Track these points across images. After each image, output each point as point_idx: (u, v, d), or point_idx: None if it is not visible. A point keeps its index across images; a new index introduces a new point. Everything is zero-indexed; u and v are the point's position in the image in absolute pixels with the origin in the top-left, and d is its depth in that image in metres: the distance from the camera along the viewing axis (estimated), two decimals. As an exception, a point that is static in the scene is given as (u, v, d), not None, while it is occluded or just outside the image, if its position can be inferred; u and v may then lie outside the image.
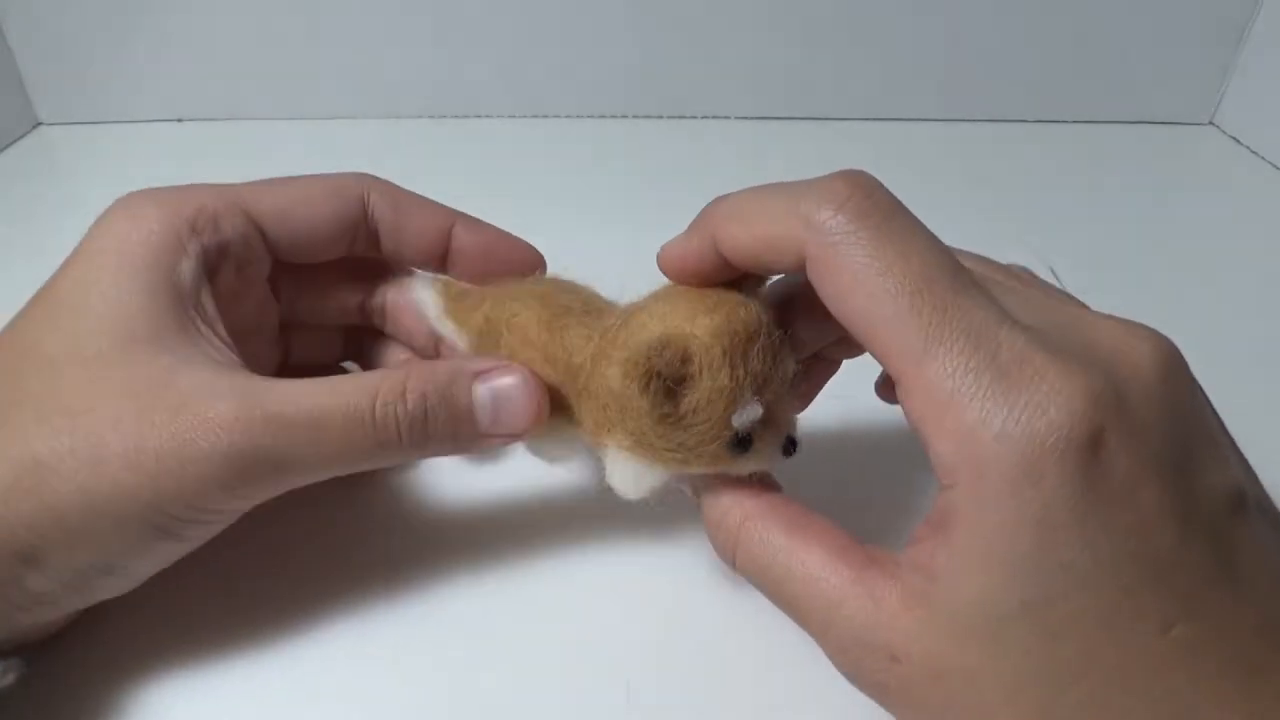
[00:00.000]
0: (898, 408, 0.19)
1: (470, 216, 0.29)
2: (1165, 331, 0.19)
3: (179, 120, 0.58)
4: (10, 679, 0.21)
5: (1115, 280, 0.43)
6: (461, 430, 0.23)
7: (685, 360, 0.20)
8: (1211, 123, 0.60)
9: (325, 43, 0.56)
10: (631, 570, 0.28)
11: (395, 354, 0.31)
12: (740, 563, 0.21)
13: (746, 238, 0.21)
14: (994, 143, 0.58)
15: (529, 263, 0.29)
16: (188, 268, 0.23)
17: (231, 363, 0.23)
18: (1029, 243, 0.46)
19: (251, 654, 0.25)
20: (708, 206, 0.22)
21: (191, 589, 0.25)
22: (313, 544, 0.28)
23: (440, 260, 0.28)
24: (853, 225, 0.19)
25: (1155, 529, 0.17)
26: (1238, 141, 0.58)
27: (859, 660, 0.19)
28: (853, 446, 0.30)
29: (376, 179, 0.28)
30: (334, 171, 0.27)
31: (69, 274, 0.23)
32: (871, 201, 0.19)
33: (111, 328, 0.22)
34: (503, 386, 0.23)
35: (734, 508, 0.22)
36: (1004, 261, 0.24)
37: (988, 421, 0.17)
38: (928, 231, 0.19)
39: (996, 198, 0.52)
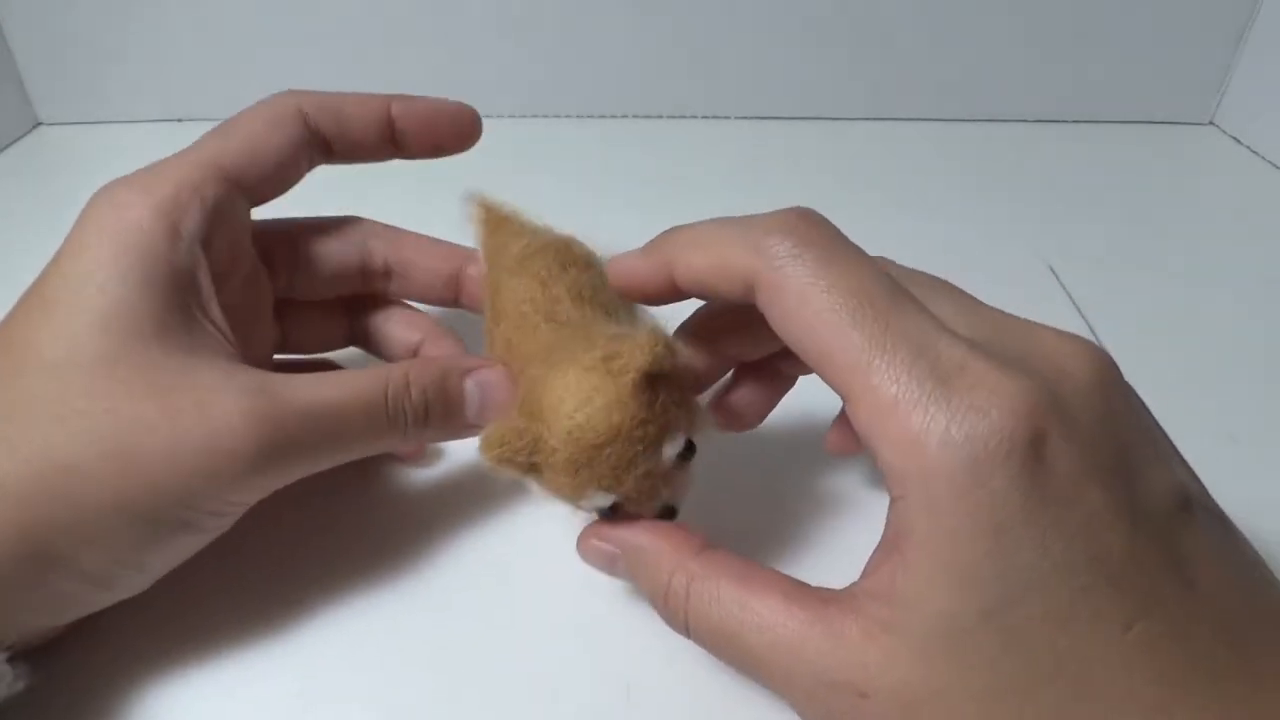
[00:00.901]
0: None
1: (403, 95, 0.29)
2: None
3: (179, 120, 0.58)
4: (20, 686, 0.21)
5: (1115, 280, 0.43)
6: (453, 421, 0.25)
7: (533, 453, 0.22)
8: (1211, 123, 0.60)
9: (325, 43, 0.56)
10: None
11: (404, 331, 0.31)
12: (694, 626, 0.21)
13: (700, 263, 0.22)
14: (994, 143, 0.58)
15: (467, 123, 0.30)
16: (183, 249, 0.23)
17: (233, 354, 0.23)
18: (1029, 243, 0.46)
19: (254, 655, 0.25)
20: (664, 234, 0.23)
21: (192, 590, 0.25)
22: (314, 544, 0.28)
23: (391, 145, 0.29)
24: (798, 250, 0.20)
25: (1104, 529, 0.17)
26: (1238, 141, 0.58)
27: (827, 703, 0.19)
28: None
29: (303, 91, 0.28)
30: (264, 99, 0.28)
31: (59, 271, 0.23)
32: (816, 231, 0.20)
33: (112, 325, 0.21)
34: (486, 381, 0.26)
35: (678, 572, 0.21)
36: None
37: (930, 427, 0.17)
38: (867, 256, 0.20)
39: (996, 198, 0.52)
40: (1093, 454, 0.17)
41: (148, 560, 0.22)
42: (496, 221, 0.29)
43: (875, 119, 0.59)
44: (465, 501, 0.30)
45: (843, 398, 0.19)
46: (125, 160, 0.55)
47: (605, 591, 0.27)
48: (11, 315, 0.23)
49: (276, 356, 0.31)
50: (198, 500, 0.21)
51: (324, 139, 0.28)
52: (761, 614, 0.20)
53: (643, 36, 0.56)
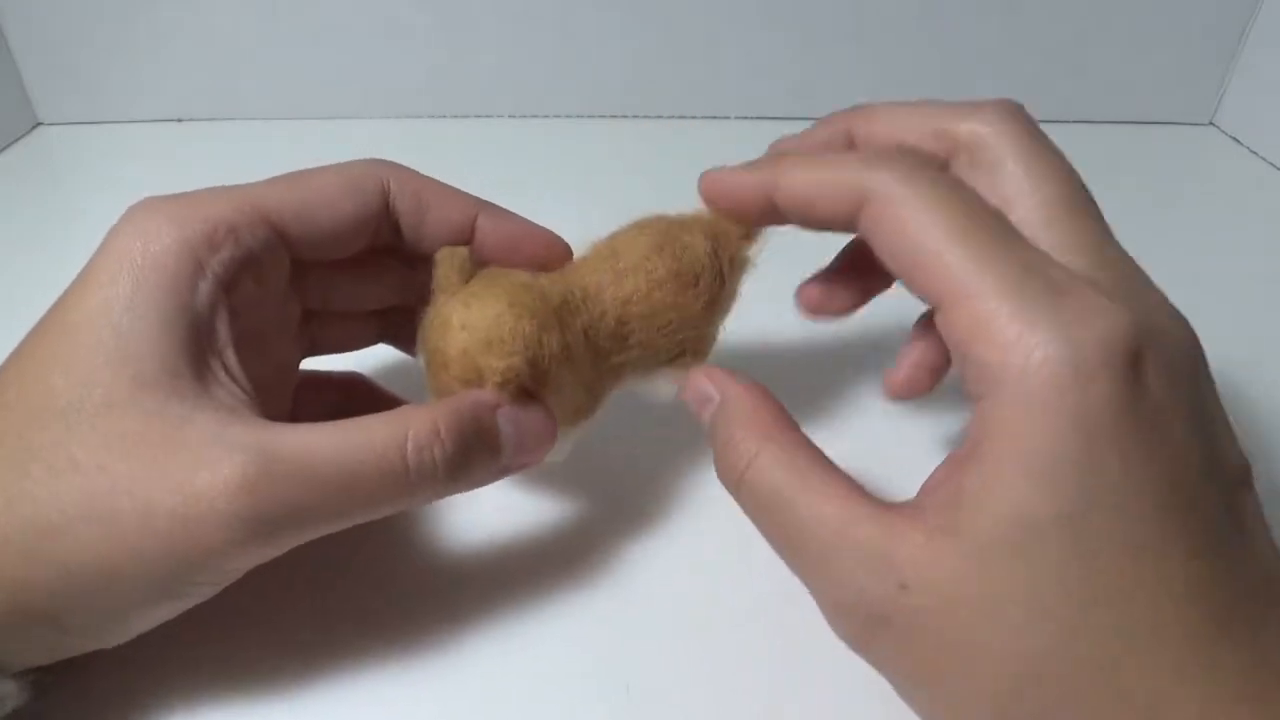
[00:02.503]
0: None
1: (495, 206, 0.28)
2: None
3: (179, 120, 0.58)
4: (24, 699, 0.21)
5: (1115, 280, 0.43)
6: (489, 465, 0.23)
7: (437, 295, 0.25)
8: (1211, 123, 0.60)
9: (325, 43, 0.56)
10: (631, 571, 0.28)
11: None
12: (750, 480, 0.21)
13: (808, 179, 0.22)
14: (994, 143, 0.58)
15: (554, 253, 0.28)
16: (205, 290, 0.22)
17: (243, 402, 0.22)
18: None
19: (257, 671, 0.25)
20: (769, 155, 0.24)
21: (202, 620, 0.25)
22: (315, 552, 0.28)
23: None
24: (910, 176, 0.20)
25: (1183, 461, 0.17)
26: (1238, 141, 0.58)
27: (861, 587, 0.18)
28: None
29: (395, 166, 0.27)
30: (350, 161, 0.26)
31: (80, 304, 0.22)
32: (923, 164, 0.21)
33: (123, 369, 0.21)
34: (521, 417, 0.23)
35: (755, 427, 0.21)
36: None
37: (1037, 326, 0.18)
38: (973, 189, 0.21)
39: (996, 198, 0.52)
40: (1182, 393, 0.18)
41: (131, 622, 0.21)
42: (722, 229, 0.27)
43: (875, 119, 0.59)
44: (464, 500, 0.30)
45: (939, 304, 0.19)
46: (125, 160, 0.55)
47: (605, 592, 0.27)
48: (31, 346, 0.22)
49: (304, 366, 0.30)
50: (181, 568, 0.20)
51: (397, 221, 0.26)
52: (823, 488, 0.20)
53: (643, 36, 0.56)
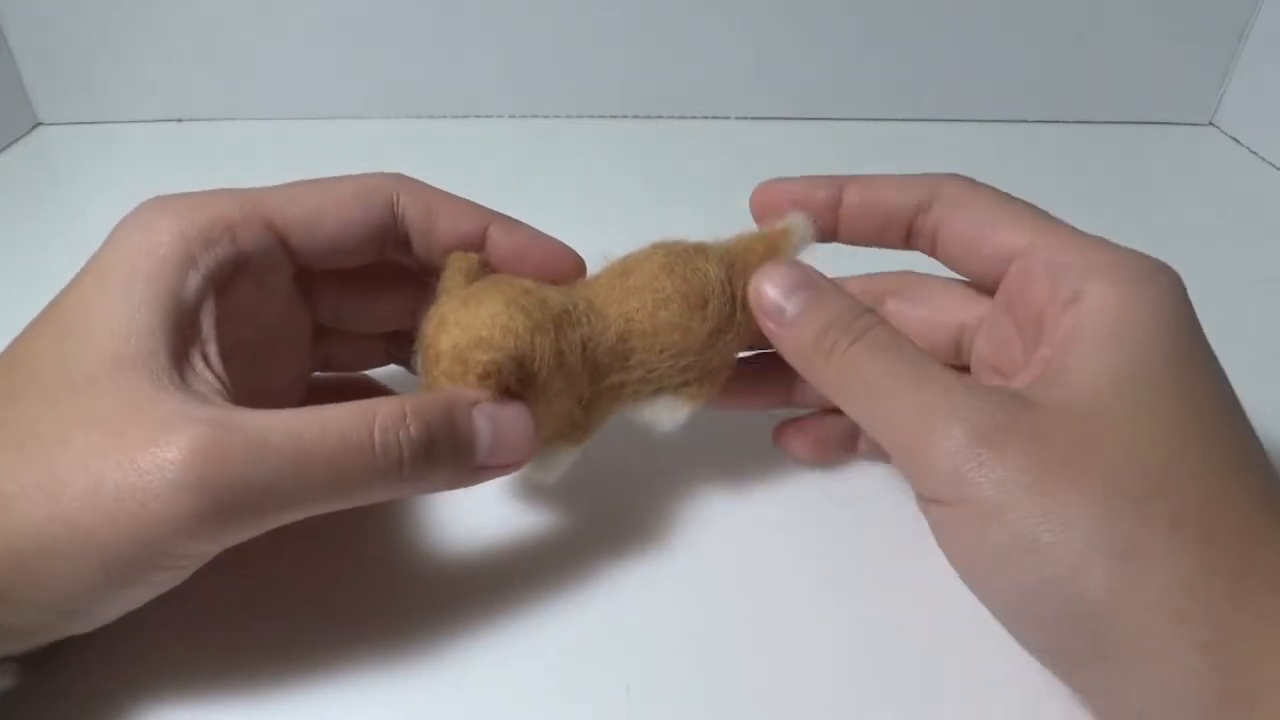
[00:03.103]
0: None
1: (506, 217, 0.27)
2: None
3: (179, 120, 0.58)
4: (7, 684, 0.21)
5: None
6: (462, 462, 0.23)
7: (441, 294, 0.25)
8: (1211, 123, 0.60)
9: (325, 43, 0.56)
10: (631, 572, 0.28)
11: None
12: (875, 333, 0.23)
13: (882, 181, 0.27)
14: (994, 143, 0.58)
15: (565, 265, 0.27)
16: (194, 282, 0.22)
17: (217, 392, 0.22)
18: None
19: (253, 667, 0.25)
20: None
21: (194, 608, 0.24)
22: (316, 552, 0.28)
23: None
24: (974, 185, 0.26)
25: (1224, 376, 0.21)
26: (1238, 141, 0.58)
27: (986, 402, 0.20)
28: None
29: (406, 178, 0.26)
30: (357, 173, 0.26)
31: (75, 291, 0.22)
32: (981, 183, 0.26)
33: (105, 348, 0.21)
34: (500, 416, 0.23)
35: (868, 312, 0.23)
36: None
37: (1116, 249, 0.23)
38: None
39: (996, 198, 0.52)
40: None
41: (86, 609, 0.20)
42: (770, 247, 0.27)
43: (876, 119, 0.59)
44: (464, 498, 0.30)
45: (1018, 253, 0.24)
46: (125, 160, 0.55)
47: (606, 592, 0.27)
48: (27, 331, 0.22)
49: (316, 374, 0.30)
50: (127, 548, 0.19)
51: (406, 233, 0.26)
52: (930, 359, 0.22)
53: (643, 36, 0.56)
